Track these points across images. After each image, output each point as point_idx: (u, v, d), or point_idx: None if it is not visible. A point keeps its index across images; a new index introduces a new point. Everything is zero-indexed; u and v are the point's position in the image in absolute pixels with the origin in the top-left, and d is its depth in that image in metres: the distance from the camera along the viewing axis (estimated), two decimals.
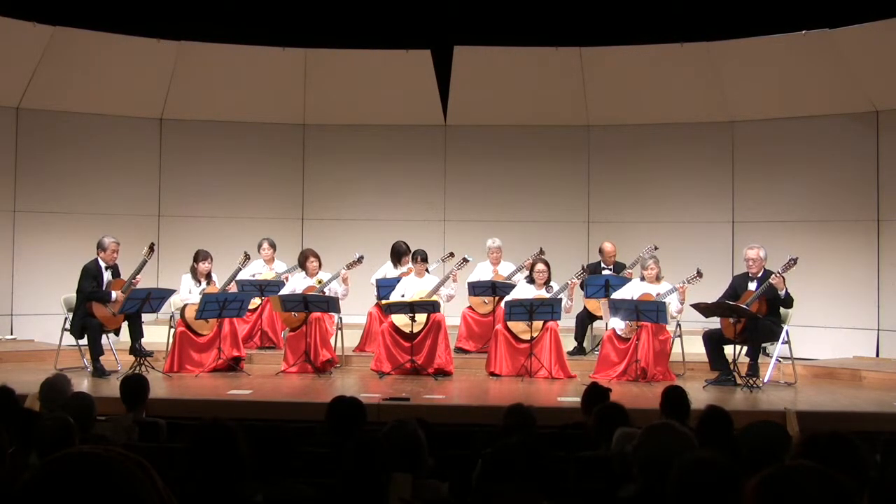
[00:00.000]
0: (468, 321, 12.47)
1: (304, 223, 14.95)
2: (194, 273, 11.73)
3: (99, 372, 10.73)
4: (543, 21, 13.65)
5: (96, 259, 11.27)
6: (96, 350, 10.90)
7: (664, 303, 10.76)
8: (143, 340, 11.32)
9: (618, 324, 11.03)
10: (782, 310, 10.82)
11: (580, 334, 12.44)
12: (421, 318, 11.17)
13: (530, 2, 13.80)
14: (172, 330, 11.48)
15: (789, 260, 10.50)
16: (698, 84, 13.77)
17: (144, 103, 14.30)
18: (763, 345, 10.91)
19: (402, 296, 11.63)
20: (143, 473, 1.76)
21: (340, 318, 11.81)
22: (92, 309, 11.03)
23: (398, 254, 12.78)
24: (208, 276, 11.76)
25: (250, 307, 12.02)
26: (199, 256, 11.76)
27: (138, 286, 11.15)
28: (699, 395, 9.45)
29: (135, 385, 6.99)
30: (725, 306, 10.58)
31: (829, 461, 2.93)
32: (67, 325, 11.29)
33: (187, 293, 11.62)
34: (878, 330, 12.84)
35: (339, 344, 11.79)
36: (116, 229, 12.13)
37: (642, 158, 14.42)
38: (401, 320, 11.23)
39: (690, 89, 13.85)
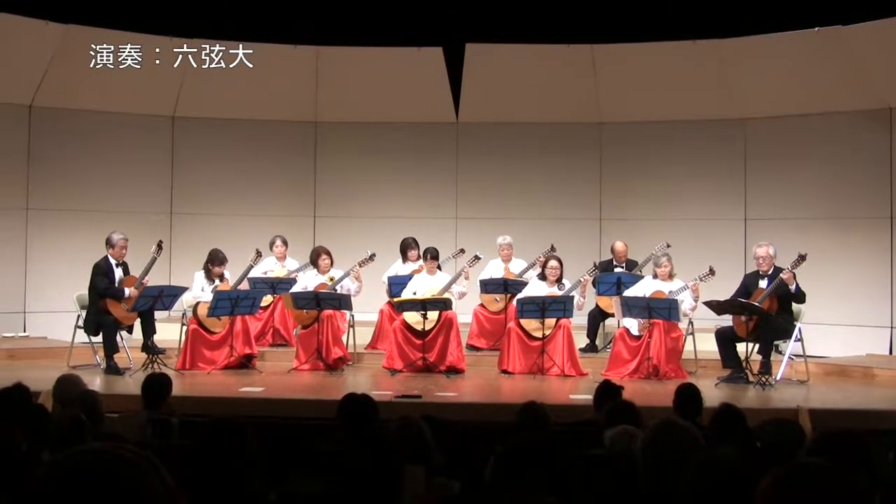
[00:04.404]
0: (480, 319, 12.47)
1: (316, 220, 14.96)
2: (208, 273, 11.70)
3: (112, 369, 10.76)
4: (555, 18, 13.62)
5: (106, 256, 11.29)
6: (111, 347, 10.93)
7: (676, 300, 10.75)
8: (155, 338, 11.34)
9: (632, 325, 11.02)
10: (795, 307, 10.81)
11: (592, 332, 12.43)
12: (433, 315, 11.18)
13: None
14: (185, 327, 11.50)
15: (798, 256, 10.49)
16: (710, 81, 13.73)
17: (156, 101, 14.33)
18: (775, 342, 10.90)
19: (414, 293, 11.63)
20: (153, 471, 1.76)
21: (352, 316, 11.82)
22: (106, 306, 11.06)
23: (404, 248, 12.81)
24: (221, 275, 11.76)
25: (262, 304, 12.04)
26: (217, 260, 11.67)
27: (148, 285, 11.17)
28: (711, 392, 9.41)
29: (157, 384, 7.00)
30: (738, 304, 10.57)
31: (841, 459, 2.92)
32: (80, 323, 11.33)
33: (200, 290, 11.61)
34: (892, 328, 12.79)
35: (350, 341, 11.80)
36: (128, 227, 12.14)
37: (654, 156, 14.40)
38: (412, 318, 11.24)
39: (702, 87, 13.81)
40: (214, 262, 11.67)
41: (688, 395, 6.44)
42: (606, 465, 4.71)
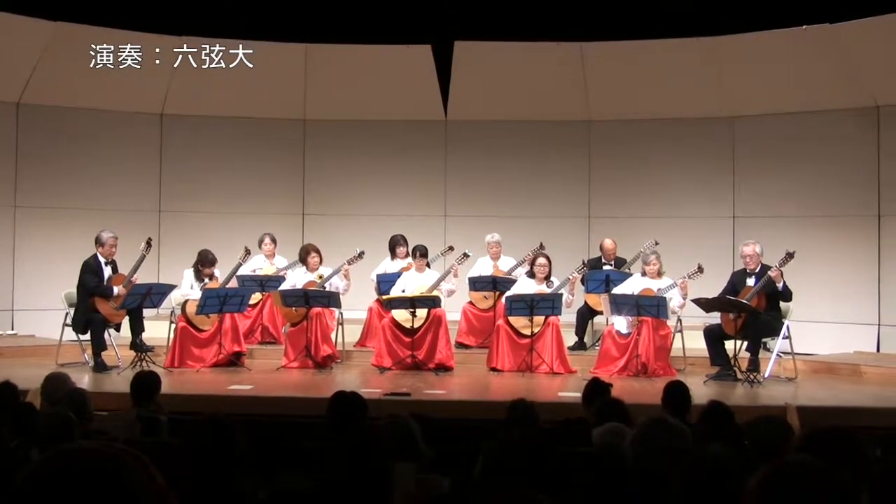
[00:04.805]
0: (468, 316, 12.47)
1: (305, 218, 14.94)
2: (198, 272, 11.64)
3: (100, 367, 10.73)
4: (544, 16, 13.62)
5: (95, 254, 11.26)
6: (98, 345, 10.90)
7: (665, 298, 10.77)
8: (143, 336, 11.32)
9: (621, 325, 11.03)
10: (782, 304, 10.85)
11: (581, 329, 12.43)
12: (421, 313, 11.18)
13: None
14: (173, 325, 11.48)
15: (786, 254, 10.53)
16: (699, 79, 13.75)
17: (145, 98, 14.29)
18: (763, 340, 10.93)
19: (403, 291, 11.63)
20: (142, 469, 1.76)
21: (341, 314, 11.81)
22: (95, 304, 11.04)
23: (392, 245, 12.81)
24: (211, 274, 11.70)
25: (251, 302, 12.01)
26: (206, 262, 11.60)
27: (136, 283, 11.13)
28: (699, 389, 9.44)
29: (146, 382, 7.00)
30: (726, 301, 10.58)
31: (829, 456, 2.93)
32: (68, 321, 11.30)
33: (188, 288, 11.57)
34: (879, 325, 12.84)
35: (339, 339, 11.79)
36: (117, 225, 12.11)
37: (643, 154, 14.41)
38: (401, 315, 11.24)
39: (691, 84, 13.83)
40: (204, 263, 11.60)
41: (676, 393, 6.45)
42: (595, 462, 4.73)
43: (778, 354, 10.86)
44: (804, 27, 12.60)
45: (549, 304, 11.07)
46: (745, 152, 13.99)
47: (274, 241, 12.97)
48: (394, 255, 12.80)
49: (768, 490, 2.09)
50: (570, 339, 12.05)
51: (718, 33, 13.23)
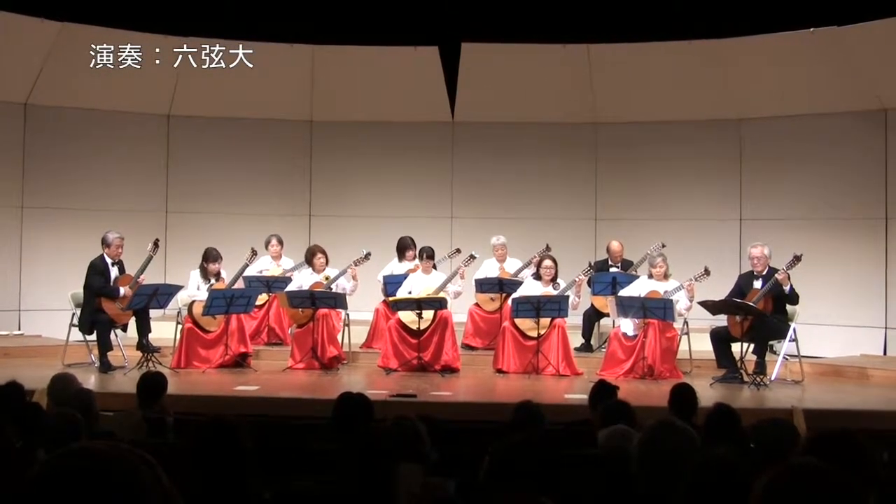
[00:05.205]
0: (475, 318, 12.47)
1: (312, 219, 14.94)
2: (204, 272, 11.66)
3: (106, 367, 10.74)
4: (551, 18, 13.62)
5: (102, 255, 11.27)
6: (104, 346, 10.90)
7: (671, 300, 10.74)
8: (150, 336, 11.34)
9: (627, 327, 11.02)
10: (789, 307, 10.83)
11: (587, 331, 12.42)
12: (428, 314, 11.18)
13: None
14: (180, 326, 11.49)
15: (793, 257, 10.51)
16: (706, 82, 13.73)
17: (152, 99, 14.30)
18: (770, 342, 10.91)
19: (410, 293, 11.62)
20: (148, 470, 1.76)
21: (347, 315, 11.82)
22: (101, 304, 11.05)
23: (401, 248, 12.81)
24: (217, 274, 11.72)
25: (257, 303, 12.03)
26: (211, 258, 11.62)
27: (143, 283, 11.14)
28: (706, 392, 9.41)
29: (152, 383, 7.01)
30: (733, 304, 10.57)
31: (836, 459, 2.93)
32: (75, 321, 11.32)
33: (195, 289, 11.58)
34: (886, 328, 12.80)
35: (346, 340, 11.80)
36: (123, 225, 12.13)
37: (650, 156, 14.39)
38: (408, 317, 11.24)
39: (698, 87, 13.81)
40: (208, 259, 11.63)
41: (683, 395, 6.44)
42: (601, 464, 4.72)
43: (784, 357, 10.84)
44: (811, 30, 12.58)
45: (555, 306, 11.06)
46: (752, 155, 13.97)
47: (280, 242, 12.99)
48: (402, 256, 12.80)
49: (775, 493, 2.09)
50: (576, 340, 12.04)
51: (725, 36, 13.21)
